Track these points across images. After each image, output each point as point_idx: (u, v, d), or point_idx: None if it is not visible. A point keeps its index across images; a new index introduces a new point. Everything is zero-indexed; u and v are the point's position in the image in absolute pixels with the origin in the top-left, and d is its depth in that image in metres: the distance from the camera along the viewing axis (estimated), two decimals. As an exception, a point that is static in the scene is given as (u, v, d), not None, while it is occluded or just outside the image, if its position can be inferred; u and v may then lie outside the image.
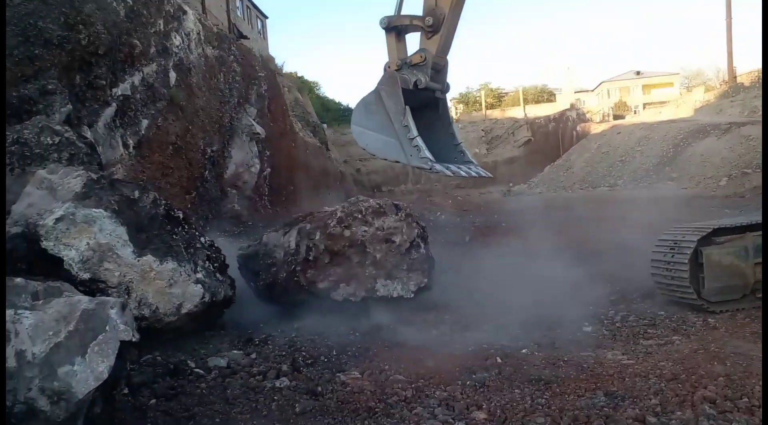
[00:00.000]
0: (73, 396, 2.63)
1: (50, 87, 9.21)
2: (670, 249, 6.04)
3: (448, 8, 7.18)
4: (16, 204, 4.68)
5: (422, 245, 6.56)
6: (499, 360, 4.59)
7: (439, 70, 7.46)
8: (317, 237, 6.21)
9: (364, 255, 6.25)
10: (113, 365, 2.85)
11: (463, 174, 7.01)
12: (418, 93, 7.23)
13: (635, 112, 54.34)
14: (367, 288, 6.17)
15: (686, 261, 5.75)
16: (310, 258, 6.18)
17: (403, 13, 7.76)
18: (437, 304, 6.56)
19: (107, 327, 2.94)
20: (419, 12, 7.40)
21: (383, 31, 7.96)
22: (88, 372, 2.72)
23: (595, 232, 11.88)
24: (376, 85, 7.25)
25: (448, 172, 6.91)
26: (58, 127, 5.97)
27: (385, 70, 7.30)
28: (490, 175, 7.41)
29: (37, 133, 5.70)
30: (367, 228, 6.29)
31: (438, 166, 6.88)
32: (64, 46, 9.49)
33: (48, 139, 5.67)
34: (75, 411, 2.66)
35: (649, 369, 4.21)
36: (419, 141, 6.98)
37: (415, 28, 7.53)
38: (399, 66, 7.23)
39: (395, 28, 7.47)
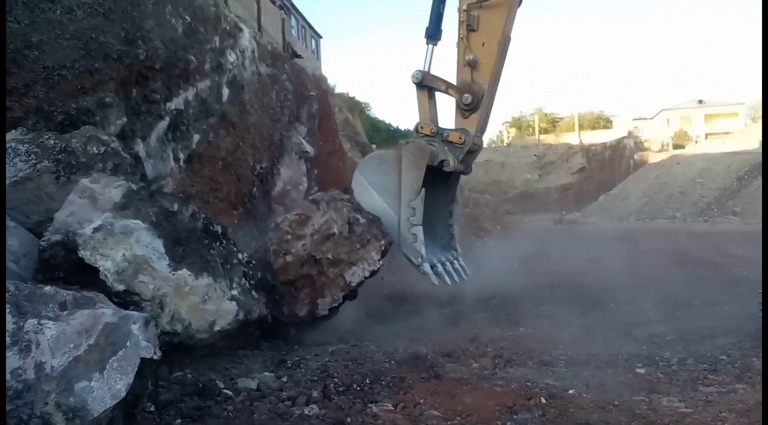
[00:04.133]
0: (88, 414, 2.52)
1: (107, 100, 9.47)
2: None
3: (487, 84, 6.81)
4: (59, 212, 4.70)
5: (360, 216, 6.29)
6: (543, 400, 4.27)
7: (474, 151, 7.08)
8: (269, 279, 6.02)
9: (317, 263, 6.08)
10: (132, 383, 2.73)
11: (447, 281, 6.83)
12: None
13: (696, 142, 52.48)
14: (341, 286, 6.03)
15: None
16: (277, 298, 6.02)
17: (433, 65, 7.27)
18: (479, 335, 6.28)
19: (128, 343, 2.83)
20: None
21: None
22: (105, 390, 2.61)
23: (651, 266, 11.33)
24: (403, 145, 6.96)
25: (433, 279, 6.70)
26: (104, 137, 6.05)
27: (416, 130, 6.97)
28: (466, 277, 7.20)
29: (84, 143, 5.78)
30: (303, 242, 6.11)
31: (426, 267, 6.65)
32: (122, 60, 9.76)
33: (94, 149, 5.74)
34: (90, 429, 2.54)
35: (710, 420, 3.82)
36: (419, 231, 6.67)
37: (448, 95, 7.10)
38: (433, 132, 6.88)
39: (428, 86, 7.10)
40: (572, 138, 53.63)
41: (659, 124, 66.85)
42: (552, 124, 66.93)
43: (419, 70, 6.97)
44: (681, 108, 66.79)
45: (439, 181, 6.91)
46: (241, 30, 15.83)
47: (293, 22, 31.68)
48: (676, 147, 49.71)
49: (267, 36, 21.47)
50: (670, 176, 32.85)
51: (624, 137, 51.28)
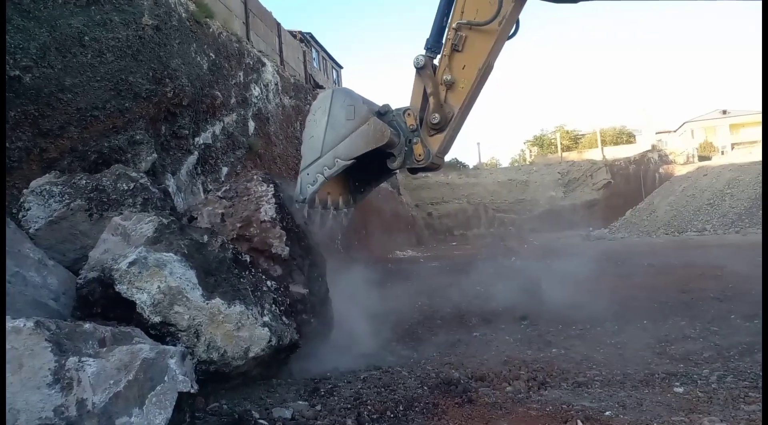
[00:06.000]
0: (128, 450, 2.58)
1: (138, 137, 9.76)
2: None
3: (459, 108, 6.68)
4: (94, 250, 4.84)
5: (258, 178, 6.35)
6: (580, 422, 4.21)
7: (432, 169, 7.06)
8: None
9: (245, 240, 5.95)
10: (170, 417, 2.79)
11: (315, 229, 6.84)
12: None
13: (723, 153, 51.64)
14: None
15: None
16: None
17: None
18: (511, 358, 6.22)
19: (166, 378, 2.89)
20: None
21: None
22: (144, 425, 2.67)
23: (684, 281, 11.12)
24: (383, 109, 6.83)
25: (302, 217, 6.71)
26: (133, 174, 6.24)
27: (403, 112, 6.87)
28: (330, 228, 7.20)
29: (114, 180, 5.98)
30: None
31: (303, 207, 6.75)
32: (151, 98, 10.06)
33: (124, 185, 5.94)
34: (131, 464, 2.60)
35: (754, 440, 3.73)
36: (321, 183, 6.75)
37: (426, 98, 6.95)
38: (412, 128, 6.79)
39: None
40: (595, 154, 53.16)
41: (683, 136, 66.09)
42: (574, 141, 66.54)
43: (423, 56, 6.71)
44: (705, 119, 66.00)
45: (381, 159, 6.90)
46: (264, 64, 16.25)
47: (314, 54, 32.33)
48: (702, 159, 48.97)
49: (289, 69, 21.94)
50: (698, 188, 32.29)
51: (648, 151, 50.72)
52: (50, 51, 7.62)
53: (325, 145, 6.77)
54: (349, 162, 6.65)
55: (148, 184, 6.58)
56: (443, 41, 6.69)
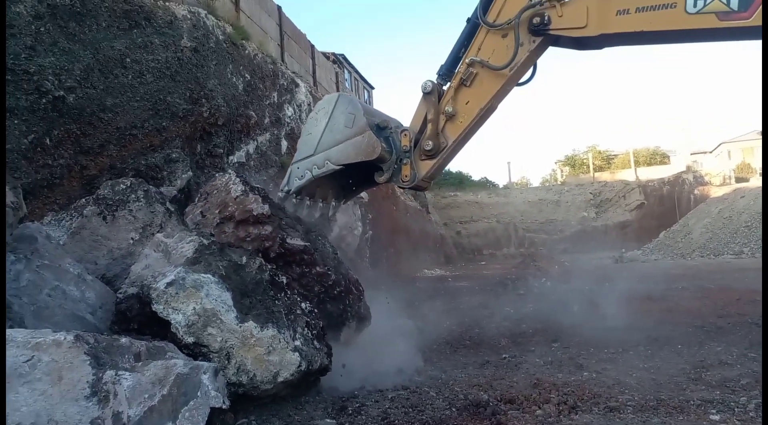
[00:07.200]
0: (162, 463, 2.63)
1: (174, 155, 10.03)
2: None
3: (453, 140, 6.74)
4: (135, 265, 4.98)
5: (219, 175, 6.67)
6: (611, 449, 4.14)
7: (418, 190, 7.13)
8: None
9: (243, 223, 6.04)
10: (203, 433, 2.84)
11: (302, 215, 7.05)
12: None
13: (760, 175, 50.37)
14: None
15: None
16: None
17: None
18: (542, 380, 6.14)
19: (199, 393, 2.95)
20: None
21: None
22: (178, 439, 2.73)
23: (720, 305, 10.84)
24: (382, 124, 6.94)
25: (279, 199, 7.07)
26: (121, 179, 6.67)
27: (402, 133, 6.96)
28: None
29: (111, 186, 6.29)
30: (224, 231, 6.13)
31: (283, 196, 7.10)
32: (188, 118, 10.35)
33: (121, 186, 6.27)
34: (164, 478, 2.65)
35: (795, 472, 3.60)
36: (308, 178, 7.01)
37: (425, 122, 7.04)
38: (405, 149, 6.87)
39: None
40: (628, 174, 52.34)
41: (719, 157, 64.70)
42: (606, 161, 65.73)
43: (431, 82, 6.78)
44: (742, 140, 64.48)
45: (367, 170, 7.05)
46: (297, 85, 16.57)
47: (346, 75, 32.81)
48: (738, 180, 47.84)
49: (322, 89, 22.29)
50: (734, 210, 31.47)
51: (682, 172, 49.81)
52: (93, 72, 7.92)
53: (320, 144, 6.97)
54: (338, 167, 6.84)
55: (140, 180, 6.84)
56: (456, 71, 6.77)
